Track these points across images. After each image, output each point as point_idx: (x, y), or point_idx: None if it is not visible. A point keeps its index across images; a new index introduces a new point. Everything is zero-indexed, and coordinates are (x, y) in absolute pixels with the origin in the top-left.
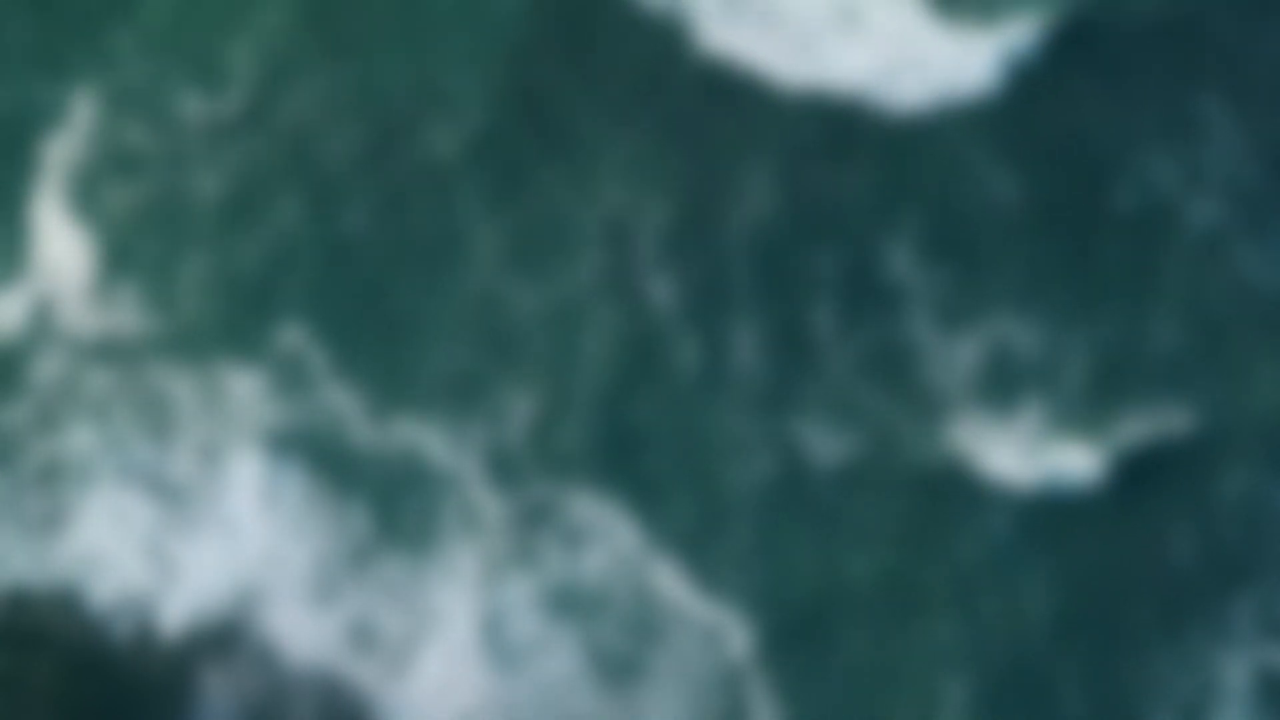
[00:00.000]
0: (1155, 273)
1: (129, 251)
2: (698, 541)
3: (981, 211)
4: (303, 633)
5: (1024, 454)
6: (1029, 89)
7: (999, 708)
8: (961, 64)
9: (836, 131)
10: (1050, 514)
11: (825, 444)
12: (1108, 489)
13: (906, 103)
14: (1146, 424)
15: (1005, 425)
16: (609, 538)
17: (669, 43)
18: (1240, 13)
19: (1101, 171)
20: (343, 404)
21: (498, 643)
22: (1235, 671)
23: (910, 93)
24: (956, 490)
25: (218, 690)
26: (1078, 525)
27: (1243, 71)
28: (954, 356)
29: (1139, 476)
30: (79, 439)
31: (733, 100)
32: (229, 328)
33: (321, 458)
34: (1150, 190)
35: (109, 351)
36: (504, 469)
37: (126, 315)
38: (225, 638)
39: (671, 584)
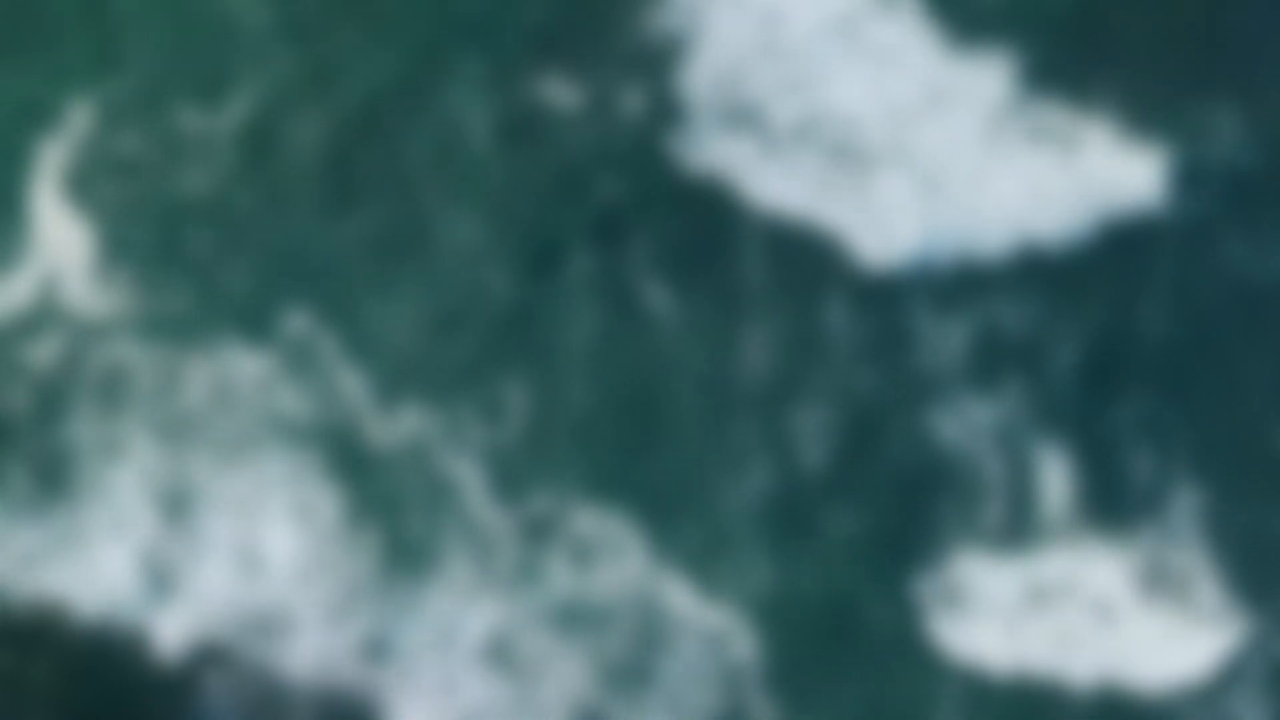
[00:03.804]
0: (1146, 263)
1: (128, 235)
2: (704, 554)
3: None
4: (309, 635)
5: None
6: (1027, 87)
7: (1002, 702)
8: (962, 69)
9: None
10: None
11: (824, 448)
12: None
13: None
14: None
15: (995, 412)
16: (615, 551)
17: (676, 50)
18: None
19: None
20: (351, 393)
21: (505, 655)
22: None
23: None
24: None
25: (220, 693)
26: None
27: (1240, 62)
28: (945, 344)
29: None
30: (81, 428)
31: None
32: (231, 313)
33: (328, 455)
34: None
35: (110, 337)
36: (509, 482)
37: (127, 300)
38: (229, 640)
39: (678, 595)
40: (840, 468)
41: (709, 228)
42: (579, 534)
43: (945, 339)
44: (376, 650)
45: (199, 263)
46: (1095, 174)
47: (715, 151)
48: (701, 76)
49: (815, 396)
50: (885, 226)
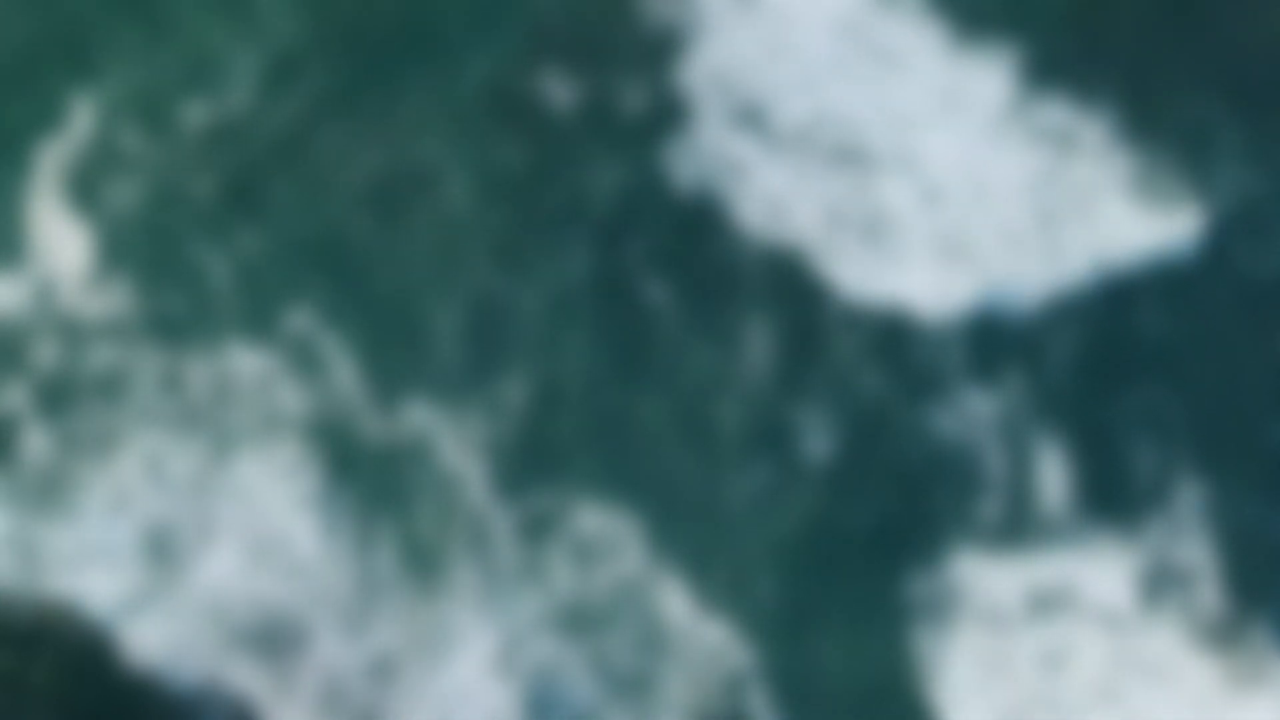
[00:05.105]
0: (1146, 262)
1: (128, 235)
2: (703, 551)
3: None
4: (309, 633)
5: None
6: (1028, 88)
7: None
8: (964, 69)
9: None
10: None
11: (825, 446)
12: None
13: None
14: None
15: (996, 408)
16: (615, 549)
17: (678, 49)
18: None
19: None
20: (352, 391)
21: (507, 661)
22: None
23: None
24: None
25: (220, 691)
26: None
27: (1239, 62)
28: (946, 341)
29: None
30: (82, 428)
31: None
32: (231, 310)
33: (328, 453)
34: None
35: (110, 336)
36: (509, 480)
37: (127, 299)
38: (229, 638)
39: (677, 594)
40: (841, 466)
41: (710, 226)
42: (579, 532)
43: (946, 337)
44: (376, 651)
45: (198, 261)
46: (1095, 174)
47: (716, 151)
48: (703, 76)
49: (815, 394)
50: (886, 225)
